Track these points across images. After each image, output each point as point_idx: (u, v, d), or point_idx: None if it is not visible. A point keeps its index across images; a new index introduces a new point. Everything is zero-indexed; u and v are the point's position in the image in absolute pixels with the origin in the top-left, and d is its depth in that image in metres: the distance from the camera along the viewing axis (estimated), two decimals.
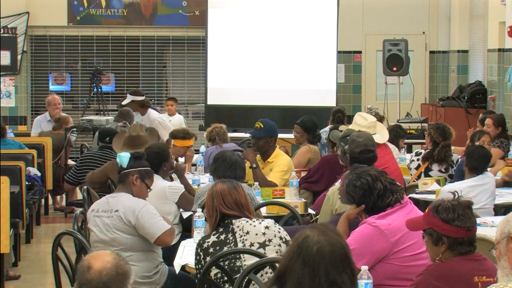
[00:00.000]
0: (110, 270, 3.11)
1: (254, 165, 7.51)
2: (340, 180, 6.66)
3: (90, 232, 5.75)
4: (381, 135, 7.67)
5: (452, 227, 3.94)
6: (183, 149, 8.99)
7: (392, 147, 8.60)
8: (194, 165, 9.51)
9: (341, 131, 7.45)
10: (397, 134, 9.66)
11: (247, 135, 8.16)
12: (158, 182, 6.64)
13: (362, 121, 7.75)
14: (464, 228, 3.95)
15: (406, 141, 10.85)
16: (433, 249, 4.01)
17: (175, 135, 9.04)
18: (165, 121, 11.33)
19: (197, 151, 10.64)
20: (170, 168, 6.96)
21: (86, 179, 8.15)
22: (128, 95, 11.58)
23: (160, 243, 5.64)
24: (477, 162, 7.07)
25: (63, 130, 11.58)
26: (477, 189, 6.94)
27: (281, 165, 7.72)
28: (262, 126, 7.79)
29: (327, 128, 10.01)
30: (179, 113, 13.58)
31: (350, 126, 7.91)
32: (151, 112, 11.33)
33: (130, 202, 5.69)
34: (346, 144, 6.64)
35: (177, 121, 12.80)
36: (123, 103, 11.61)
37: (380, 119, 10.47)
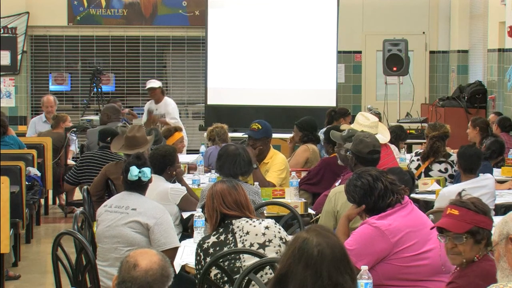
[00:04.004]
0: (156, 271, 3.08)
1: (255, 166, 7.50)
2: (340, 181, 6.67)
3: (98, 226, 5.76)
4: (382, 135, 7.66)
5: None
6: (176, 144, 9.03)
7: (392, 147, 8.60)
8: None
9: (342, 130, 7.44)
10: (397, 137, 9.64)
11: (245, 136, 8.16)
12: (161, 183, 6.65)
13: (364, 121, 7.74)
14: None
15: (406, 141, 10.85)
16: (473, 249, 3.90)
17: (164, 136, 9.05)
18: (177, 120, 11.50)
19: (197, 151, 10.65)
20: (174, 172, 6.95)
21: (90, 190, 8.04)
22: (155, 80, 11.71)
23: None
24: (469, 162, 7.06)
25: (61, 128, 11.56)
26: (476, 191, 6.91)
27: (277, 164, 7.73)
28: (260, 127, 7.80)
29: (325, 129, 10.01)
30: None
31: (352, 126, 7.90)
32: (168, 100, 11.59)
33: (150, 205, 5.74)
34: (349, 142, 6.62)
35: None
36: (155, 85, 11.59)
37: (379, 118, 10.47)
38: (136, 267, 3.08)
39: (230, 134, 9.98)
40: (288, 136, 10.87)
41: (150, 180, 5.85)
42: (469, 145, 7.70)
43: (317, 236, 2.99)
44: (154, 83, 11.67)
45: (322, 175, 7.99)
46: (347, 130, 7.17)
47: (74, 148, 12.35)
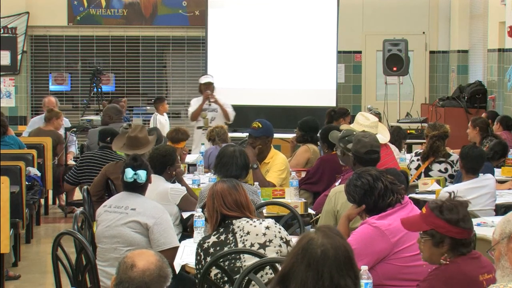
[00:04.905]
0: (153, 271, 3.08)
1: (255, 166, 7.49)
2: (340, 180, 6.67)
3: (97, 226, 5.76)
4: (382, 135, 7.66)
5: (457, 228, 3.90)
6: (178, 150, 8.99)
7: (392, 147, 8.59)
8: (194, 165, 9.51)
9: (341, 130, 7.44)
10: (398, 137, 9.62)
11: (245, 134, 8.16)
12: (161, 183, 6.64)
13: (364, 121, 7.74)
14: (467, 230, 3.93)
15: (406, 141, 10.85)
16: (432, 250, 3.95)
17: (170, 137, 8.99)
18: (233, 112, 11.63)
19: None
20: (174, 172, 6.94)
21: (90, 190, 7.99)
22: (209, 75, 11.76)
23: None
24: (473, 162, 7.04)
25: (53, 125, 11.49)
26: (477, 191, 6.91)
27: (278, 165, 7.72)
28: (261, 126, 7.79)
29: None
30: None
31: (352, 125, 7.90)
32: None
33: (150, 205, 5.74)
34: (346, 144, 6.63)
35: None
36: (212, 80, 11.62)
37: (379, 118, 10.47)
38: (133, 267, 3.08)
39: (230, 134, 9.98)
40: (288, 136, 10.89)
41: (149, 181, 5.85)
42: (473, 145, 7.63)
43: (323, 237, 2.97)
44: (211, 78, 11.67)
45: (322, 173, 8.01)
46: (343, 130, 7.19)
47: (74, 149, 12.33)
